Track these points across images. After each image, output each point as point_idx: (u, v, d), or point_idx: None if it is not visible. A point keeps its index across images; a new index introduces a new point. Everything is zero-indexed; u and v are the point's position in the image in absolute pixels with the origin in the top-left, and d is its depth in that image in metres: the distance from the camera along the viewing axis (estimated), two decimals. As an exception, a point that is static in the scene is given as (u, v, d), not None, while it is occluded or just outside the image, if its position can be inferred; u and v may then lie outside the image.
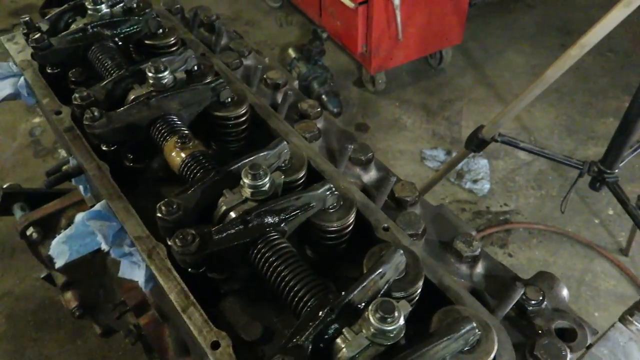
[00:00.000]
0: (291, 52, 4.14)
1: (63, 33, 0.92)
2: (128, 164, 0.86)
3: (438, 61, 4.47)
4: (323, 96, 3.69)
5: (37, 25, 0.94)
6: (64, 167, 0.93)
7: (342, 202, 0.72)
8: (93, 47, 0.93)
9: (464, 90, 4.37)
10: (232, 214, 0.68)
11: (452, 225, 0.87)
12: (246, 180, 0.68)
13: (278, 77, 1.06)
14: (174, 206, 0.65)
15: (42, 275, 1.73)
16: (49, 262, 1.51)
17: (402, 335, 0.56)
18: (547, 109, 3.96)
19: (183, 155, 0.75)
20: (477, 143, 1.95)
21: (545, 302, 0.73)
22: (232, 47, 1.12)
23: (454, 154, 3.69)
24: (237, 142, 0.89)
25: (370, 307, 0.56)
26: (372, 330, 0.56)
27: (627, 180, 3.15)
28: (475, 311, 0.62)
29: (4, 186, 1.49)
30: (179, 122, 0.81)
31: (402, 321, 0.56)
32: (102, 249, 0.77)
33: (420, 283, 0.64)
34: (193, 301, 0.67)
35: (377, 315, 0.55)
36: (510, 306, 0.69)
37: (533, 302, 0.72)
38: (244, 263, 0.68)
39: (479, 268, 0.80)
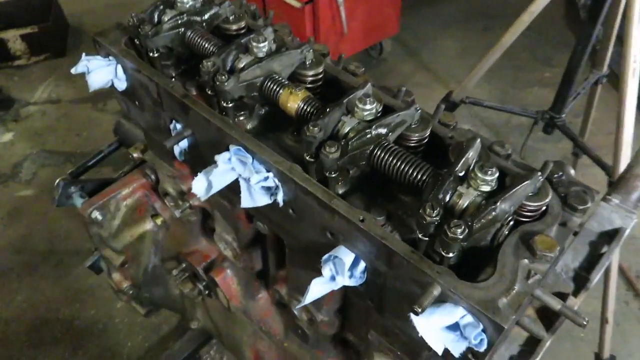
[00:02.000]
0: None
1: (165, 21, 1.15)
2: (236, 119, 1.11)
3: (379, 52, 4.86)
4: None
5: (139, 15, 1.16)
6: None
7: (421, 120, 1.01)
8: (190, 31, 1.16)
9: (406, 76, 4.79)
10: (353, 133, 0.95)
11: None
12: (360, 106, 0.96)
13: (322, 49, 1.33)
14: (318, 127, 0.91)
15: (87, 264, 1.87)
16: (107, 241, 1.67)
17: (496, 185, 0.86)
18: (482, 84, 4.46)
19: (299, 99, 1.01)
20: (448, 106, 2.30)
21: (563, 176, 1.05)
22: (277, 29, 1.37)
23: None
24: (315, 93, 1.16)
25: (475, 168, 0.86)
26: (478, 182, 0.85)
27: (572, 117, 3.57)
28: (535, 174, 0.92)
29: (59, 179, 1.64)
30: (284, 79, 1.07)
31: (497, 174, 0.86)
32: (246, 177, 1.00)
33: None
34: (335, 195, 0.93)
35: (482, 171, 0.85)
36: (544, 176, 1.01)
37: (556, 175, 1.04)
38: (365, 163, 0.95)
39: (510, 162, 1.12)
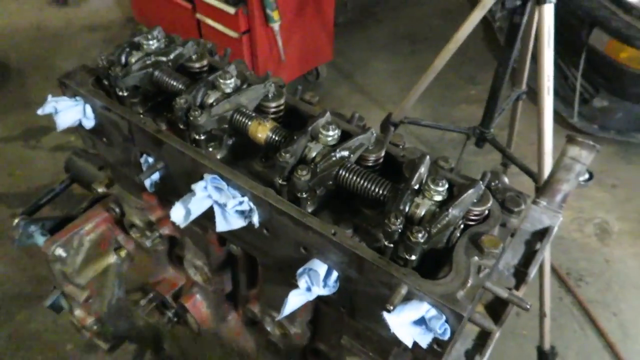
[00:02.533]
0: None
1: (134, 62, 1.23)
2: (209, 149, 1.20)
3: (315, 76, 5.05)
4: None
5: (106, 58, 1.23)
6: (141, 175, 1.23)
7: (376, 142, 1.15)
8: (157, 71, 1.24)
9: (342, 99, 5.01)
10: (319, 157, 1.07)
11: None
12: (324, 132, 1.08)
13: (278, 81, 1.45)
14: (289, 154, 1.03)
15: (47, 304, 1.86)
16: (71, 278, 1.69)
17: (446, 195, 1.01)
18: (415, 104, 4.70)
19: (267, 130, 1.13)
20: (389, 127, 2.48)
21: (499, 184, 1.22)
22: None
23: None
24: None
25: (428, 181, 1.00)
26: (432, 193, 0.99)
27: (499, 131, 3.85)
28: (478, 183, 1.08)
29: (17, 219, 1.64)
30: (250, 111, 1.18)
31: (447, 185, 1.00)
32: (218, 202, 1.09)
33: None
34: (307, 213, 1.04)
35: (434, 183, 0.99)
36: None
37: (493, 183, 1.20)
38: (332, 182, 1.07)
39: (454, 174, 1.28)
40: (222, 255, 1.41)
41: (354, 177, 1.06)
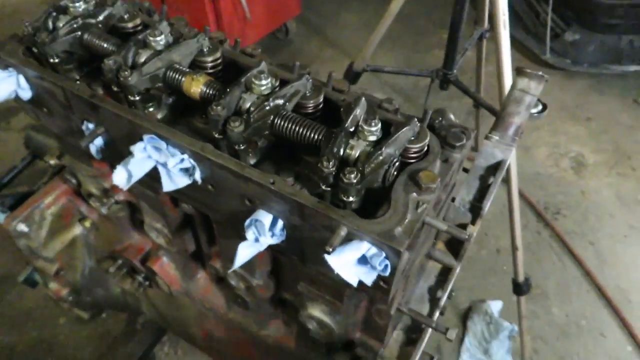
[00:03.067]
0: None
1: (61, 26, 1.19)
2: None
3: (285, 33, 4.95)
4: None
5: (31, 25, 1.20)
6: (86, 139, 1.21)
7: (314, 89, 1.14)
8: (87, 34, 1.21)
9: (314, 54, 4.94)
10: (253, 107, 1.06)
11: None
12: (256, 83, 1.07)
13: (219, 36, 1.41)
14: (221, 106, 1.01)
15: (21, 279, 1.88)
16: (38, 251, 1.70)
17: (381, 135, 1.01)
18: (387, 53, 4.69)
19: (201, 84, 1.11)
20: (352, 76, 2.45)
21: (443, 121, 1.22)
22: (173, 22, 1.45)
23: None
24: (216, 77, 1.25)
25: (361, 124, 0.99)
26: (365, 133, 0.99)
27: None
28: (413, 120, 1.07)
29: (-24, 196, 1.63)
30: (184, 67, 1.15)
31: (379, 125, 1.00)
32: (163, 162, 1.09)
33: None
34: (246, 165, 1.04)
35: (367, 124, 0.99)
36: (426, 123, 1.16)
37: (437, 120, 1.20)
38: (269, 132, 1.07)
39: (399, 115, 1.27)
40: (178, 216, 1.41)
41: (289, 125, 1.05)
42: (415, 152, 1.06)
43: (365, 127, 1.00)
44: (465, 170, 1.54)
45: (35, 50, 1.25)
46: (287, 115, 1.06)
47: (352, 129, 1.03)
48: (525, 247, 2.84)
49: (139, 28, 1.32)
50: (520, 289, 2.53)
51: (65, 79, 1.20)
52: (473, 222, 1.45)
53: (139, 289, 1.71)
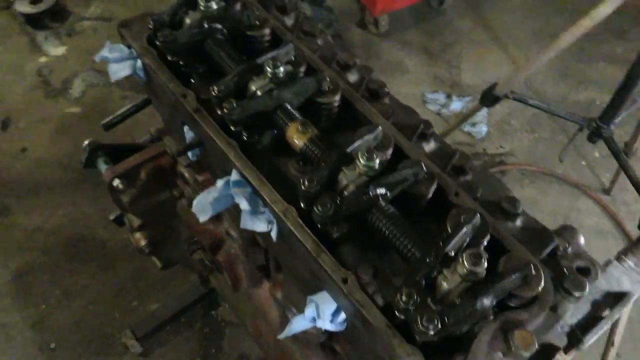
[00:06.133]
0: (296, -7, 4.18)
1: (184, 28, 1.12)
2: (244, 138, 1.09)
3: (440, 2, 4.56)
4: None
5: (160, 19, 1.13)
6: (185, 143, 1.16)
7: (425, 175, 0.98)
8: (208, 41, 1.12)
9: (463, 33, 4.52)
10: (352, 187, 0.93)
11: (494, 186, 1.13)
12: (362, 161, 0.92)
13: (349, 59, 1.26)
14: (314, 183, 0.90)
15: (111, 217, 1.97)
16: (127, 207, 1.74)
17: (484, 273, 0.84)
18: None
19: (305, 138, 0.99)
20: (491, 99, 2.18)
21: (569, 247, 1.01)
22: (305, 29, 1.31)
23: (454, 98, 3.91)
24: (328, 122, 1.12)
25: (463, 255, 0.83)
26: (465, 271, 0.83)
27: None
28: (527, 255, 0.89)
29: (86, 142, 1.69)
30: (294, 111, 1.04)
31: (485, 264, 0.83)
32: (243, 209, 1.01)
33: (488, 236, 0.91)
34: (324, 249, 0.93)
35: (470, 261, 0.82)
36: (546, 252, 0.97)
37: (561, 249, 1.00)
38: (359, 222, 0.94)
39: (518, 222, 1.07)
40: (253, 237, 1.36)
41: (387, 224, 0.91)
42: (519, 301, 0.89)
43: (467, 265, 0.83)
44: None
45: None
46: (388, 212, 0.92)
47: (452, 253, 0.87)
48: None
49: (266, 38, 1.21)
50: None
51: (177, 83, 1.14)
52: (566, 351, 1.24)
53: (206, 270, 1.72)
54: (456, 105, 3.83)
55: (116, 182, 1.63)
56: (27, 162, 3.51)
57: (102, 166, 1.67)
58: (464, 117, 2.71)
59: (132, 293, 2.97)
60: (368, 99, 1.20)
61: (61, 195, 3.34)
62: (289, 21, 1.36)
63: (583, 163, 3.52)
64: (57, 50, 4.20)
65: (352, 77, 1.27)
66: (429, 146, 1.18)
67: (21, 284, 2.99)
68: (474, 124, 3.64)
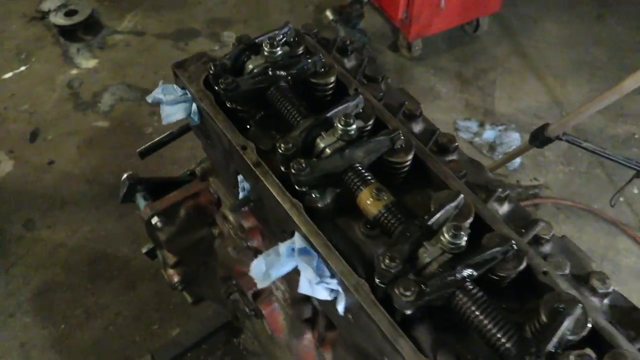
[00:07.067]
0: (329, 14, 4.12)
1: (247, 75, 1.04)
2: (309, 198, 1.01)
3: (474, 28, 4.48)
4: (362, 62, 3.78)
5: (221, 63, 1.06)
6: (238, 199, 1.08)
7: (515, 253, 0.88)
8: (272, 89, 1.05)
9: (498, 60, 4.42)
10: (435, 265, 0.83)
11: (578, 257, 1.04)
12: (447, 237, 0.83)
13: (414, 108, 1.18)
14: (395, 261, 0.80)
15: (144, 251, 1.90)
16: (164, 244, 1.67)
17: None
18: (581, 83, 4.05)
19: (380, 205, 0.90)
20: (542, 140, 2.08)
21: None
22: (368, 74, 1.23)
23: (487, 126, 3.80)
24: (398, 179, 1.03)
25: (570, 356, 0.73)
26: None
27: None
28: (633, 353, 0.79)
29: (125, 176, 1.62)
30: (367, 173, 0.95)
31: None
32: (307, 278, 0.92)
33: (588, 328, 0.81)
34: (401, 333, 0.84)
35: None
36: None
37: None
38: (442, 303, 0.84)
39: (607, 300, 0.97)
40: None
41: (474, 309, 0.82)
42: None
43: (571, 367, 0.73)
44: None
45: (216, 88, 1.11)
46: (475, 296, 0.82)
47: (552, 349, 0.77)
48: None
49: (331, 86, 1.12)
50: None
51: (236, 132, 1.06)
52: None
53: (243, 316, 1.64)
54: (489, 134, 3.73)
55: (155, 220, 1.56)
56: (54, 175, 3.46)
57: (141, 202, 1.59)
58: (511, 155, 2.60)
59: (153, 316, 2.90)
60: (436, 153, 1.12)
61: (86, 211, 3.28)
62: (349, 63, 1.29)
63: (621, 199, 3.38)
64: (89, 62, 4.19)
65: (417, 127, 1.19)
66: (503, 209, 1.09)
67: (42, 301, 2.93)
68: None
